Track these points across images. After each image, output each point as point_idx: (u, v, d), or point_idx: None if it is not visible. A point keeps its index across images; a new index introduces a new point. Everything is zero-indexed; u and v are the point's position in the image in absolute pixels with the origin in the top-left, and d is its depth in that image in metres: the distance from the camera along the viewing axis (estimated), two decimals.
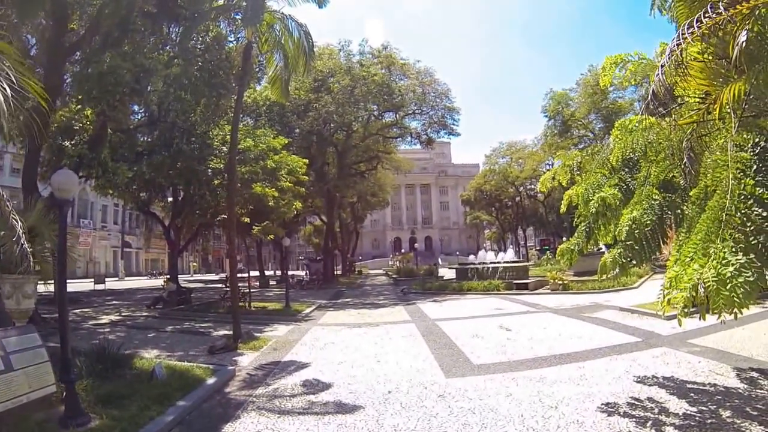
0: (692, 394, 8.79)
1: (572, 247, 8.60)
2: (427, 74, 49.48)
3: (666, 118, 7.41)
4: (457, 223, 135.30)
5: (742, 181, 5.15)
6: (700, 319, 5.29)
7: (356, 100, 43.99)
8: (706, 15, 4.80)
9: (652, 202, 6.79)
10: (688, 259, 5.02)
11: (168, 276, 34.03)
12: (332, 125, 45.06)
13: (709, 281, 4.52)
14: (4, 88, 5.80)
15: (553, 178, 10.49)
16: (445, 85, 49.92)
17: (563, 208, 9.69)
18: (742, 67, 5.04)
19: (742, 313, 4.57)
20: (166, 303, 26.71)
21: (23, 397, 6.58)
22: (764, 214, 4.85)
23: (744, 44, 4.66)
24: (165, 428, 7.71)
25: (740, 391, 8.85)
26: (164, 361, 11.25)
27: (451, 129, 50.63)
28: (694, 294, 4.65)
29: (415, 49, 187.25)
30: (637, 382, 9.74)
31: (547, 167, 63.06)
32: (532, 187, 75.26)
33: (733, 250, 4.66)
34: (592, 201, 7.77)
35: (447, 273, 48.92)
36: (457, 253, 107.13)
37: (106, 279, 49.74)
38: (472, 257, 46.56)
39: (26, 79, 5.79)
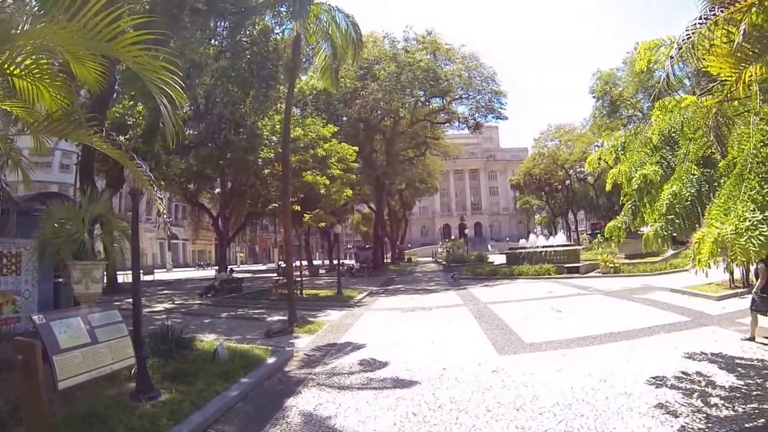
0: (739, 369, 8.90)
1: (619, 225, 8.73)
2: (472, 58, 49.18)
3: (704, 97, 7.52)
4: (507, 208, 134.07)
5: (762, 149, 5.63)
6: (725, 271, 5.86)
7: (403, 87, 44.03)
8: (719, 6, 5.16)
9: (691, 176, 6.93)
10: (713, 220, 5.51)
11: (229, 267, 34.79)
12: (379, 112, 45.21)
13: (727, 235, 5.05)
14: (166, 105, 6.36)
15: (599, 159, 10.58)
16: (491, 68, 49.58)
17: (608, 186, 9.81)
18: (756, 52, 5.34)
19: (754, 263, 5.13)
20: (218, 291, 27.43)
21: (107, 368, 7.18)
22: None
23: (744, 32, 5.15)
24: (231, 402, 8.22)
25: None
26: (225, 343, 11.71)
27: (498, 113, 50.30)
28: (717, 249, 5.15)
29: (458, 30, 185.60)
30: (686, 358, 9.87)
31: (596, 149, 62.09)
32: (582, 170, 74.13)
33: (751, 209, 5.20)
34: (634, 178, 7.94)
35: (497, 259, 48.86)
36: (507, 239, 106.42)
37: (154, 270, 50.78)
38: (522, 242, 46.36)
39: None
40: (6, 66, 5.67)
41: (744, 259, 5.22)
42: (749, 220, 5.12)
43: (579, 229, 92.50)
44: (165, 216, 10.03)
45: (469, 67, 48.28)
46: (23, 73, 5.87)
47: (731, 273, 18.20)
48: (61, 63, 6.00)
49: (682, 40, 5.71)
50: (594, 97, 58.28)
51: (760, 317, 11.46)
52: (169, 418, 7.06)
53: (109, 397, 7.70)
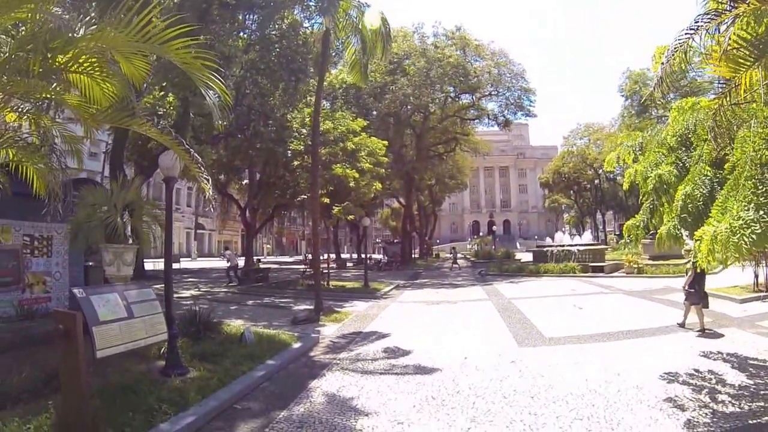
0: (751, 369, 9.03)
1: (638, 224, 8.94)
2: (502, 55, 49.18)
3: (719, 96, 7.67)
4: (536, 206, 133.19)
5: (760, 151, 5.87)
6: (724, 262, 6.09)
7: (432, 82, 44.12)
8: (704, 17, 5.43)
9: (704, 177, 7.13)
10: (712, 219, 5.83)
11: (256, 257, 35.34)
12: (409, 107, 45.31)
13: (722, 233, 5.34)
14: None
15: (618, 159, 10.72)
16: (520, 65, 49.63)
17: (625, 185, 10.00)
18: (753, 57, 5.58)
19: (746, 258, 5.46)
20: (241, 279, 28.39)
21: (141, 341, 7.59)
22: None
23: (730, 41, 5.50)
24: (256, 381, 8.61)
25: None
26: (251, 328, 12.09)
27: (528, 110, 50.32)
28: (714, 246, 5.42)
29: (487, 27, 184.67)
30: (700, 356, 10.03)
31: (623, 147, 61.53)
32: (611, 169, 73.59)
33: (746, 208, 5.46)
34: (650, 178, 8.12)
35: (524, 256, 48.83)
36: (536, 237, 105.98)
37: (180, 259, 51.39)
38: (549, 240, 46.33)
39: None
40: (69, 64, 6.08)
41: (736, 255, 5.49)
42: (743, 219, 5.38)
43: (607, 229, 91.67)
44: (213, 197, 10.39)
45: (498, 64, 48.28)
46: (81, 69, 6.26)
47: (756, 276, 18.18)
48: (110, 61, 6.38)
49: (673, 49, 5.93)
50: (623, 96, 57.92)
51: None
52: (197, 392, 7.45)
53: (139, 372, 8.14)
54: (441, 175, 62.71)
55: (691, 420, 6.55)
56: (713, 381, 8.30)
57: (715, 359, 9.77)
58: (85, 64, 6.19)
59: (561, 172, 79.56)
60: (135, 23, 5.59)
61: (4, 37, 6.41)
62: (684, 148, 8.45)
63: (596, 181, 78.29)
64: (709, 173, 7.20)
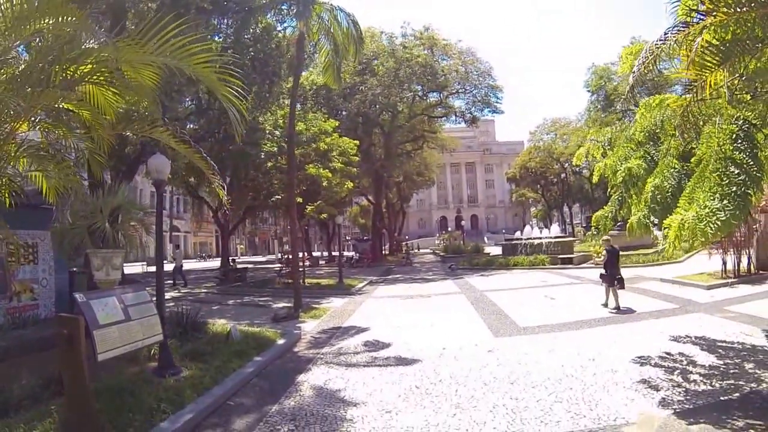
0: (720, 350, 9.61)
1: (606, 215, 9.45)
2: (469, 53, 49.55)
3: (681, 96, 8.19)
4: (503, 201, 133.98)
5: (724, 146, 6.44)
6: (690, 248, 6.75)
7: (401, 82, 44.39)
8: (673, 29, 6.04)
9: (672, 170, 7.65)
10: (679, 208, 6.36)
11: (231, 258, 35.52)
12: (378, 107, 45.44)
13: (689, 220, 5.88)
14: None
15: (587, 153, 11.23)
16: (488, 63, 49.96)
17: (595, 179, 10.48)
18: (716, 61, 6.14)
19: (711, 243, 6.14)
20: (220, 281, 28.57)
21: (139, 343, 7.89)
22: (736, 171, 6.16)
23: (698, 48, 5.92)
24: (247, 377, 8.99)
25: (766, 348, 9.62)
26: (237, 326, 12.40)
27: (495, 107, 50.66)
28: (682, 232, 5.95)
29: (455, 26, 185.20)
30: (671, 340, 10.60)
31: (592, 143, 62.37)
32: (578, 163, 74.37)
33: (711, 198, 6.02)
34: (620, 171, 8.65)
35: (493, 250, 49.42)
36: (504, 231, 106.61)
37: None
38: (518, 234, 46.96)
39: None
40: (89, 75, 6.37)
41: (703, 240, 6.02)
42: (708, 208, 5.91)
43: (574, 221, 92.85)
44: (227, 200, 10.72)
45: (466, 62, 48.63)
46: (99, 80, 6.55)
47: (724, 263, 18.96)
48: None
49: (644, 57, 6.44)
50: (589, 91, 58.70)
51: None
52: (192, 390, 7.79)
53: (134, 373, 8.43)
54: (409, 172, 62.96)
55: (666, 398, 7.07)
56: (684, 362, 8.85)
57: (685, 342, 10.34)
58: (100, 77, 6.47)
59: (528, 166, 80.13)
60: (159, 37, 5.92)
61: (20, 50, 6.63)
62: (652, 143, 8.99)
63: (563, 175, 79.06)
64: (676, 166, 7.71)
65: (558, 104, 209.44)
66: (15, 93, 5.90)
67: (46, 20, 5.72)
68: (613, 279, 15.06)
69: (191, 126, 32.11)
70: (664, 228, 6.30)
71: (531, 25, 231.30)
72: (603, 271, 15.67)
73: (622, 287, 15.10)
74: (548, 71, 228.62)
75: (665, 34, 6.20)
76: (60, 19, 5.73)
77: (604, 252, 16.14)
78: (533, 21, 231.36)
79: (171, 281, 28.14)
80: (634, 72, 6.69)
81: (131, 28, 25.08)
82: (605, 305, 15.18)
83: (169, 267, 49.41)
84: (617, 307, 14.74)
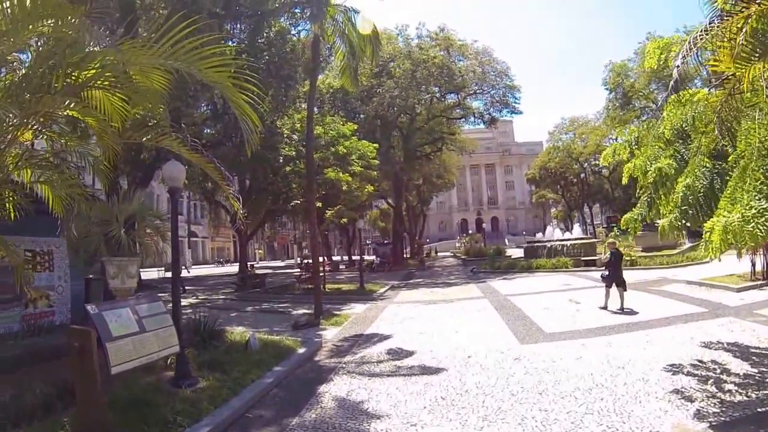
0: (754, 357, 9.19)
1: (636, 217, 9.06)
2: (486, 53, 49.32)
3: (713, 92, 7.82)
4: (523, 202, 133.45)
5: (766, 142, 6.04)
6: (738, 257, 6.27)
7: (418, 83, 44.11)
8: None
9: (704, 169, 7.26)
10: (721, 210, 5.93)
11: (249, 263, 35.40)
12: (396, 109, 45.16)
13: (735, 223, 5.48)
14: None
15: (614, 153, 10.86)
16: (504, 63, 49.70)
17: (624, 179, 10.07)
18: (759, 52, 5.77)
19: (759, 246, 5.67)
20: (238, 287, 28.37)
21: (154, 355, 7.67)
22: None
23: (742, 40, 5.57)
24: (266, 388, 8.71)
25: None
26: (255, 334, 12.15)
27: (513, 107, 50.34)
28: (726, 236, 5.56)
29: (470, 26, 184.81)
30: (702, 347, 10.16)
31: (610, 142, 61.73)
32: (597, 162, 73.70)
33: (757, 198, 5.63)
34: (650, 171, 8.25)
35: (514, 252, 49.02)
36: (524, 232, 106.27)
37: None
38: (539, 235, 46.56)
39: None
40: (93, 80, 6.12)
41: (752, 244, 5.66)
42: (755, 209, 5.52)
43: (595, 222, 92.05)
44: (242, 213, 10.52)
45: (482, 63, 48.36)
46: (104, 85, 6.31)
47: (753, 264, 18.44)
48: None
49: (687, 49, 6.08)
50: (607, 89, 57.91)
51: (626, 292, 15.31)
52: (209, 402, 7.53)
53: (149, 383, 8.19)
54: (428, 174, 62.70)
55: (701, 410, 6.69)
56: (718, 371, 8.44)
57: (716, 349, 9.91)
58: (106, 82, 6.24)
59: (547, 167, 79.61)
60: (167, 38, 5.67)
61: (21, 56, 6.41)
62: (681, 141, 8.60)
63: (582, 175, 78.52)
64: (708, 165, 7.32)
65: (577, 103, 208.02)
66: (13, 100, 5.67)
67: (45, 22, 5.49)
68: (614, 281, 15.34)
69: (208, 131, 32.16)
70: (706, 232, 5.92)
71: (544, 22, 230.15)
72: (605, 272, 15.89)
73: (625, 289, 15.39)
74: (564, 69, 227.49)
75: (710, 23, 5.84)
76: (60, 21, 5.50)
77: (608, 254, 16.36)
78: (546, 19, 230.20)
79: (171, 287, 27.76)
80: (677, 66, 6.33)
81: (143, 36, 25.19)
82: (604, 308, 15.37)
83: (184, 273, 50.20)
84: (621, 308, 14.96)
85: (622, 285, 15.24)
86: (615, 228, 51.80)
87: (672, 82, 7.13)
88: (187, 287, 33.20)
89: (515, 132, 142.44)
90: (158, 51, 5.68)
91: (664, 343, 10.72)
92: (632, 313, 14.53)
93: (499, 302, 18.60)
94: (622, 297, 15.18)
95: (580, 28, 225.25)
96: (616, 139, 58.72)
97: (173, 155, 8.79)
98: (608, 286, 15.53)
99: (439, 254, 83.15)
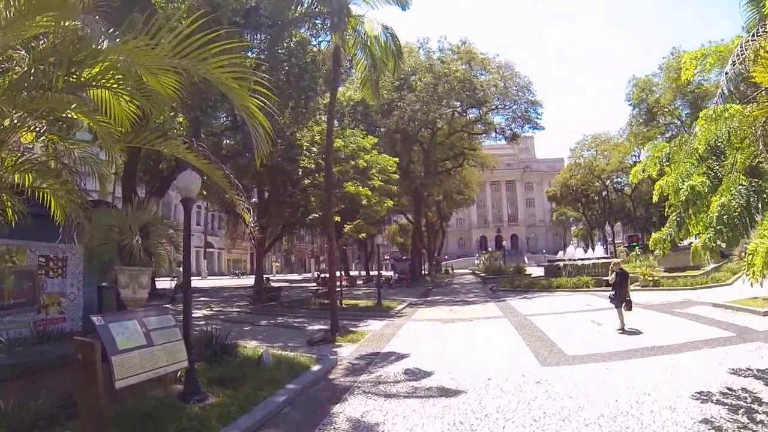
0: None
1: (665, 237, 8.68)
2: (508, 68, 49.13)
3: (749, 105, 7.48)
4: (543, 220, 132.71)
5: None
6: None
7: (439, 97, 43.92)
8: None
9: (740, 187, 6.88)
10: (765, 231, 5.65)
11: (265, 276, 35.31)
12: (417, 123, 44.97)
13: None
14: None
15: (643, 171, 10.48)
16: (526, 78, 49.49)
17: (655, 198, 9.68)
18: None
19: None
20: (253, 300, 28.11)
21: (161, 369, 7.41)
22: None
23: None
24: (278, 407, 8.40)
25: None
26: (268, 349, 11.88)
27: (535, 123, 50.02)
28: None
29: (491, 40, 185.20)
30: (731, 373, 9.70)
31: (634, 159, 61.08)
32: (619, 180, 73.14)
33: None
34: (682, 189, 7.84)
35: (534, 271, 48.52)
36: (544, 251, 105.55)
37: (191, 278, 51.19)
38: (560, 254, 46.07)
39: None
40: (96, 80, 5.88)
41: None
42: None
43: (616, 241, 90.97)
44: (253, 224, 10.28)
45: (504, 77, 48.16)
46: (108, 85, 6.08)
47: None
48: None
49: (737, 56, 5.73)
50: (630, 104, 57.40)
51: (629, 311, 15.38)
52: (218, 420, 7.26)
53: (157, 398, 7.93)
54: (449, 190, 62.35)
55: None
56: (749, 400, 8.00)
57: (746, 376, 9.45)
58: (110, 81, 6.00)
59: (568, 184, 78.92)
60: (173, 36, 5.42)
61: (22, 52, 6.17)
62: (715, 158, 8.23)
63: (604, 193, 77.80)
64: (744, 182, 6.96)
65: (599, 119, 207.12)
66: (9, 99, 5.44)
67: (45, 19, 5.26)
68: (622, 301, 15.33)
69: (227, 141, 32.18)
70: (748, 254, 5.54)
71: (568, 38, 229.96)
72: (612, 292, 15.89)
73: (629, 309, 15.39)
74: (586, 85, 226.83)
75: (762, 26, 5.50)
76: (61, 23, 5.29)
77: (614, 275, 16.28)
78: (570, 34, 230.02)
79: (171, 297, 27.36)
80: (727, 73, 5.95)
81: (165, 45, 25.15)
82: (621, 329, 15.17)
83: (198, 284, 50.20)
84: (622, 328, 15.10)
85: (627, 305, 15.26)
86: (636, 247, 51.43)
87: (719, 92, 6.74)
88: (201, 298, 33.14)
89: (536, 148, 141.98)
90: (162, 50, 5.41)
91: (691, 368, 10.27)
92: (637, 333, 14.55)
93: (519, 322, 18.21)
94: (621, 316, 15.26)
95: (602, 43, 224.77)
96: (639, 156, 58.22)
97: (191, 165, 8.55)
98: (618, 307, 15.37)
99: (456, 271, 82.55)
